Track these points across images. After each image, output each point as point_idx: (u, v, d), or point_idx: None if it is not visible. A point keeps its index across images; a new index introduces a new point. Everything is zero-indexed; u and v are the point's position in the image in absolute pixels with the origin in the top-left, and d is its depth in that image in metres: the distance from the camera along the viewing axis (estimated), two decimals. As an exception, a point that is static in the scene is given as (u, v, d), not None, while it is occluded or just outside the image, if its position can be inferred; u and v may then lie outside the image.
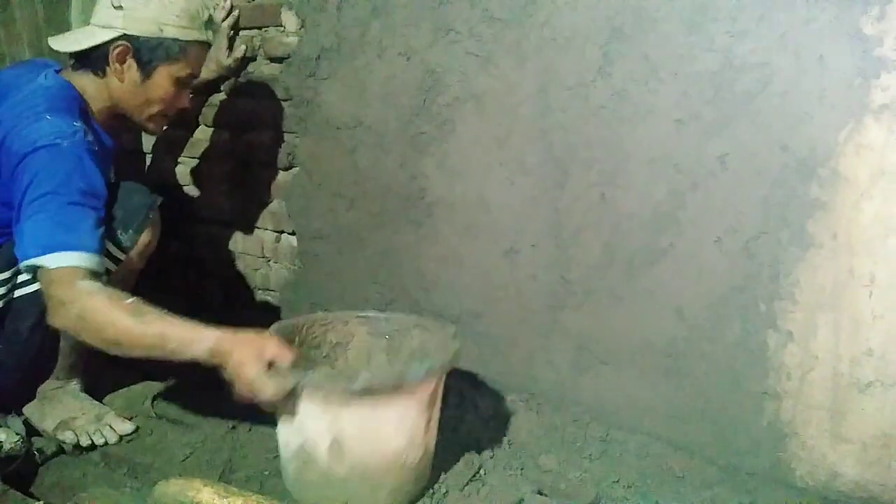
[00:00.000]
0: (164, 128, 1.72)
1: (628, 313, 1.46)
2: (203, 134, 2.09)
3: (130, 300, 1.24)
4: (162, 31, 1.46)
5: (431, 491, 1.27)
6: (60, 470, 1.41)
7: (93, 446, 1.46)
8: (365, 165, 1.75)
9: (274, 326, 1.35)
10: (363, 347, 1.44)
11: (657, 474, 1.38)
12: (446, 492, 1.27)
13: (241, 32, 1.91)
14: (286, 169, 1.92)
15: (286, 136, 1.90)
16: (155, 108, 1.55)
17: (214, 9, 1.63)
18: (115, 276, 1.49)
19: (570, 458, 1.42)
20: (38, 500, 1.27)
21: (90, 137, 1.38)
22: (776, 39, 1.21)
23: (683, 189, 1.34)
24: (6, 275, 1.42)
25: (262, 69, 1.90)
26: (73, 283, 1.23)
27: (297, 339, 1.38)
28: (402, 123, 1.66)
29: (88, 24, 1.50)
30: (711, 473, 1.37)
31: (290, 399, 1.15)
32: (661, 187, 1.37)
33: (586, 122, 1.42)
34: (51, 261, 1.24)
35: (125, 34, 1.45)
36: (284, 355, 1.16)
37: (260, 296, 2.12)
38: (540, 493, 1.28)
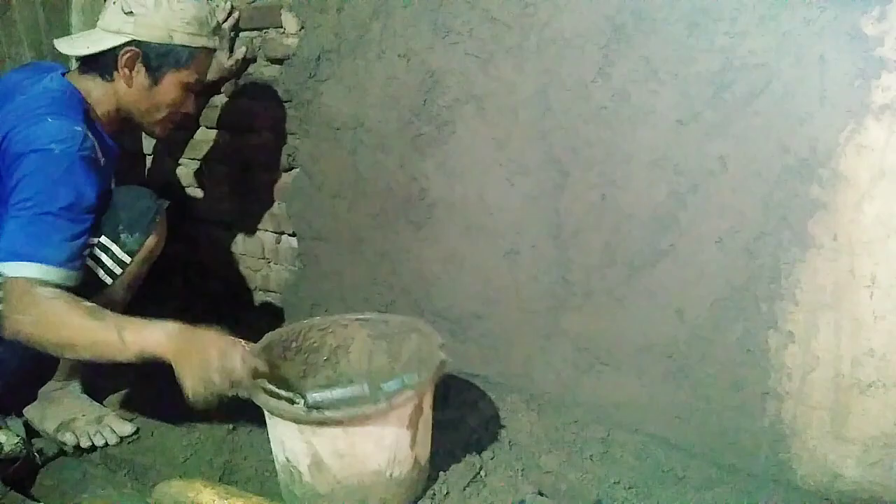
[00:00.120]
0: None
1: (629, 314, 1.45)
2: (203, 135, 2.09)
3: (89, 304, 1.24)
4: (172, 37, 1.46)
5: (432, 492, 1.27)
6: (61, 471, 1.42)
7: (93, 447, 1.47)
8: (365, 166, 1.75)
9: (268, 336, 1.34)
10: (364, 350, 1.44)
11: (658, 475, 1.38)
12: (447, 492, 1.27)
13: (241, 34, 1.91)
14: (286, 170, 1.92)
15: (286, 138, 1.90)
16: (162, 114, 1.56)
17: (215, 11, 1.63)
18: (119, 281, 1.48)
19: (571, 458, 1.42)
20: (39, 502, 1.28)
21: (90, 143, 1.38)
22: (776, 40, 1.20)
23: (684, 190, 1.34)
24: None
25: (262, 71, 1.90)
26: (28, 291, 1.23)
27: (293, 345, 1.38)
28: (402, 124, 1.66)
29: (95, 26, 1.50)
30: (712, 474, 1.37)
31: (271, 416, 1.16)
32: (662, 188, 1.37)
33: (586, 123, 1.42)
34: (10, 269, 1.25)
35: (135, 40, 1.45)
36: (234, 358, 1.15)
37: (261, 297, 2.12)
38: (540, 493, 1.28)
